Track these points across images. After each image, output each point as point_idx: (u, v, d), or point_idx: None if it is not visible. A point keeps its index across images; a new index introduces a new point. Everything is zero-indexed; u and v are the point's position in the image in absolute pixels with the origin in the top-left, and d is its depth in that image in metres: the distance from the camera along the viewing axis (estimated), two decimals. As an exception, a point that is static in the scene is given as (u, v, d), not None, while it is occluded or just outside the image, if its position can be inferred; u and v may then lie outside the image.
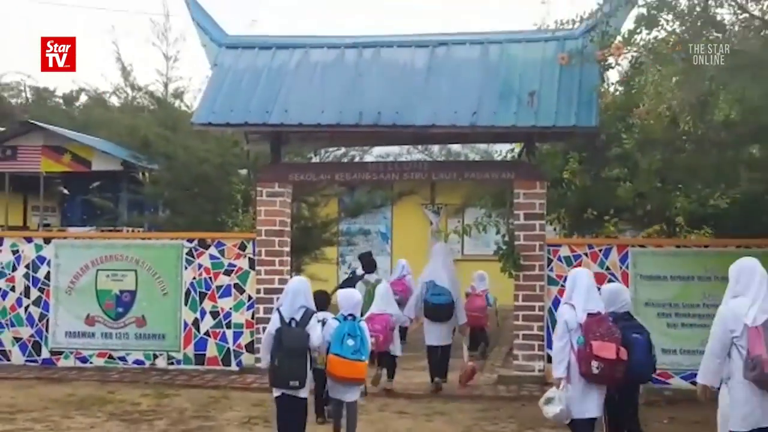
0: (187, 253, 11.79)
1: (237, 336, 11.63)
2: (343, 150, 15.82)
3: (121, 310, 11.87)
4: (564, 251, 10.88)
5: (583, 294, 6.68)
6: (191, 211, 14.59)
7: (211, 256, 11.74)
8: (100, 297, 11.91)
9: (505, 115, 10.32)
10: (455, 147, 17.52)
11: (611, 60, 9.67)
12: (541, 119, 10.22)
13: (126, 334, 11.84)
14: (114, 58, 14.45)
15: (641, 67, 8.13)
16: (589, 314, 6.59)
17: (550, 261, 10.90)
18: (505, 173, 11.23)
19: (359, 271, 11.78)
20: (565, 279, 10.59)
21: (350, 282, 11.19)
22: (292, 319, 7.08)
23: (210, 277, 11.71)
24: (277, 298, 11.09)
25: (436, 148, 18.04)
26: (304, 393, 7.05)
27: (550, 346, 10.62)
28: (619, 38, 9.02)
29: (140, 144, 15.45)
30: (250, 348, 11.54)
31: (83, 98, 30.96)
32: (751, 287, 5.77)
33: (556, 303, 10.79)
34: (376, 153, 16.22)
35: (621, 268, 10.76)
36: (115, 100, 16.24)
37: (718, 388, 6.00)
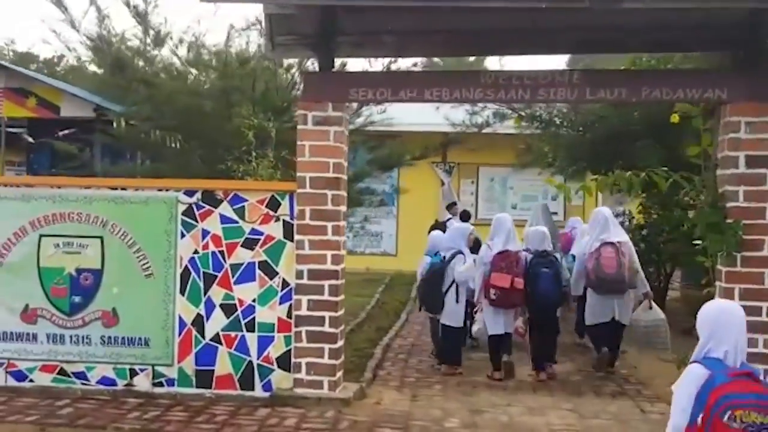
0: (184, 213, 6.82)
1: (264, 343, 6.74)
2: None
3: (78, 299, 6.92)
4: (812, 219, 5.95)
5: (502, 238, 7.65)
6: (178, 159, 10.09)
7: (224, 218, 6.77)
8: (45, 278, 6.91)
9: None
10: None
11: None
12: None
13: (87, 337, 6.92)
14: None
15: None
16: (498, 252, 7.55)
17: (786, 236, 5.98)
18: (710, 90, 6.24)
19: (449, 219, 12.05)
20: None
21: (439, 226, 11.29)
22: (443, 257, 8.05)
23: (222, 251, 6.76)
24: (330, 286, 6.40)
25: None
26: (447, 321, 7.92)
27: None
28: None
29: (112, 66, 10.49)
30: (285, 363, 6.67)
31: (65, 62, 27.54)
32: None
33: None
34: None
35: None
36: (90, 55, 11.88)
37: None
